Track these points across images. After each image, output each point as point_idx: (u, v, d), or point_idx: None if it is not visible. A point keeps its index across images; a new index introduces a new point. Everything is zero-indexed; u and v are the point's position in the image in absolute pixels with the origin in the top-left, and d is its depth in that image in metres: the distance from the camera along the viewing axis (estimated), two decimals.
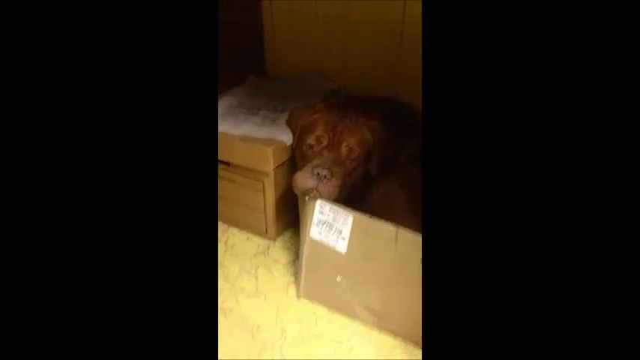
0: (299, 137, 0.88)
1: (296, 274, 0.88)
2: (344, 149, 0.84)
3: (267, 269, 0.92)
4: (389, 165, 0.90)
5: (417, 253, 0.68)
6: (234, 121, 0.94)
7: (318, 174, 0.78)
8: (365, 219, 0.72)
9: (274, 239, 1.00)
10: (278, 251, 0.98)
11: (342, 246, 0.76)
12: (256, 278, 0.90)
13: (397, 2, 1.05)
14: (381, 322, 0.79)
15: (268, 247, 0.98)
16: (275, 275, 0.91)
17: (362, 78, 1.16)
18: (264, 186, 0.92)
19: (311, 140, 0.85)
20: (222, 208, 1.00)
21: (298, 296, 0.85)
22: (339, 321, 0.81)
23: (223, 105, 1.01)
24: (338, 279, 0.78)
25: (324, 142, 0.85)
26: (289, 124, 0.92)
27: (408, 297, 0.73)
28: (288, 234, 1.02)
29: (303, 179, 0.79)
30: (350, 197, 0.86)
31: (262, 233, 1.00)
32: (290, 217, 1.00)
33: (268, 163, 0.88)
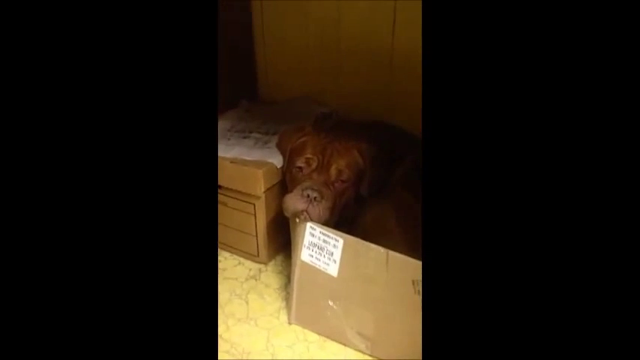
0: (289, 160, 0.89)
1: (287, 299, 0.87)
2: (333, 171, 0.84)
3: (259, 294, 0.91)
4: (381, 187, 0.90)
5: (408, 276, 0.67)
6: (225, 144, 0.94)
7: (308, 196, 0.78)
8: (355, 242, 0.72)
9: (266, 263, 0.99)
10: (270, 275, 0.96)
11: (333, 269, 0.75)
12: (247, 303, 0.88)
13: (386, 27, 1.07)
14: (375, 349, 0.77)
15: (260, 271, 0.97)
16: (266, 300, 0.89)
17: (354, 102, 1.18)
18: (255, 209, 0.91)
19: (300, 163, 0.85)
20: None
21: (290, 322, 0.84)
22: (332, 347, 0.79)
23: None
24: (330, 303, 0.77)
25: (314, 165, 0.85)
26: (279, 146, 0.92)
27: (401, 322, 0.72)
28: (280, 258, 1.01)
29: (293, 201, 0.79)
30: (342, 219, 0.85)
31: (254, 257, 0.98)
32: (282, 240, 0.99)
33: (259, 185, 0.87)
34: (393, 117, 1.09)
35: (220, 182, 0.92)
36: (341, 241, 0.72)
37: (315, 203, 0.78)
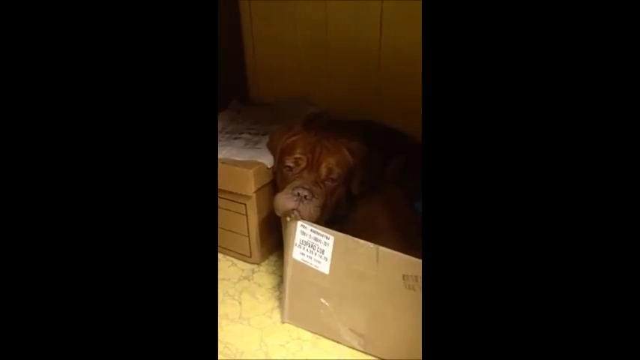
0: (279, 159, 0.89)
1: (280, 299, 0.87)
2: (323, 170, 0.85)
3: (251, 294, 0.91)
4: (372, 185, 0.90)
5: (398, 271, 0.68)
6: None
7: (299, 194, 0.78)
8: (346, 239, 0.72)
9: (259, 263, 0.99)
10: (263, 275, 0.96)
11: (324, 267, 0.75)
12: (240, 303, 0.89)
13: (373, 28, 1.08)
14: (368, 345, 0.77)
15: (253, 272, 0.97)
16: (259, 300, 0.89)
17: (344, 103, 1.18)
18: (246, 209, 0.92)
19: (290, 162, 0.86)
20: None
21: (283, 320, 0.84)
22: (325, 345, 0.79)
23: None
24: (322, 301, 0.77)
25: (303, 164, 0.85)
26: (269, 146, 0.93)
27: (393, 318, 0.72)
28: (273, 258, 1.01)
29: (284, 200, 0.79)
30: (333, 218, 0.86)
31: (246, 257, 0.99)
32: (275, 240, 0.99)
33: (249, 185, 0.88)
34: (381, 117, 1.09)
35: None
36: (332, 238, 0.73)
37: (305, 202, 0.78)
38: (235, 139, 0.98)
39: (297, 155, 0.86)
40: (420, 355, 0.69)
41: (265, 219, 0.94)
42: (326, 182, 0.85)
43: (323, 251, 0.74)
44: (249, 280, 0.95)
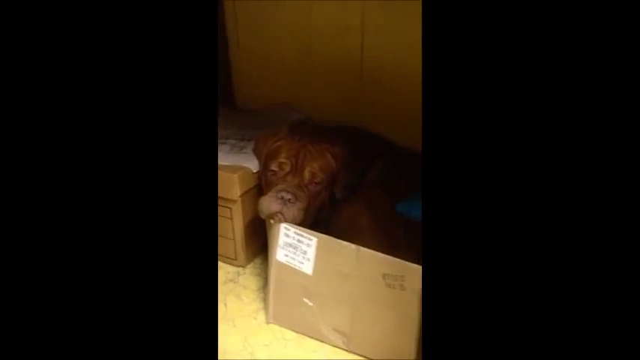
0: (264, 164, 0.91)
1: (265, 300, 0.89)
2: (307, 174, 0.87)
3: (237, 296, 0.92)
4: (354, 189, 0.93)
5: (378, 270, 0.70)
6: None
7: (282, 197, 0.80)
8: (328, 240, 0.75)
9: (244, 266, 1.00)
10: (248, 278, 0.98)
11: (307, 267, 0.77)
12: (225, 305, 0.90)
13: (355, 38, 1.11)
14: (351, 344, 0.79)
15: (238, 274, 0.99)
16: (244, 301, 0.91)
17: (328, 109, 1.21)
18: (232, 213, 0.93)
19: (274, 166, 0.88)
20: None
21: (267, 321, 0.86)
22: (309, 345, 0.81)
23: None
24: (305, 301, 0.79)
25: (287, 168, 0.88)
26: (255, 151, 0.95)
27: (374, 316, 0.75)
28: (258, 261, 1.03)
29: (268, 203, 0.81)
30: (317, 221, 0.88)
31: (232, 260, 1.00)
32: (260, 243, 1.00)
33: (234, 189, 0.90)
34: (364, 122, 1.12)
35: None
36: (314, 239, 0.75)
37: (289, 205, 0.81)
38: (221, 144, 1.00)
39: (282, 160, 0.88)
40: (401, 351, 0.72)
41: (250, 222, 0.96)
42: (309, 186, 0.87)
43: (306, 252, 0.76)
44: (234, 282, 0.96)
